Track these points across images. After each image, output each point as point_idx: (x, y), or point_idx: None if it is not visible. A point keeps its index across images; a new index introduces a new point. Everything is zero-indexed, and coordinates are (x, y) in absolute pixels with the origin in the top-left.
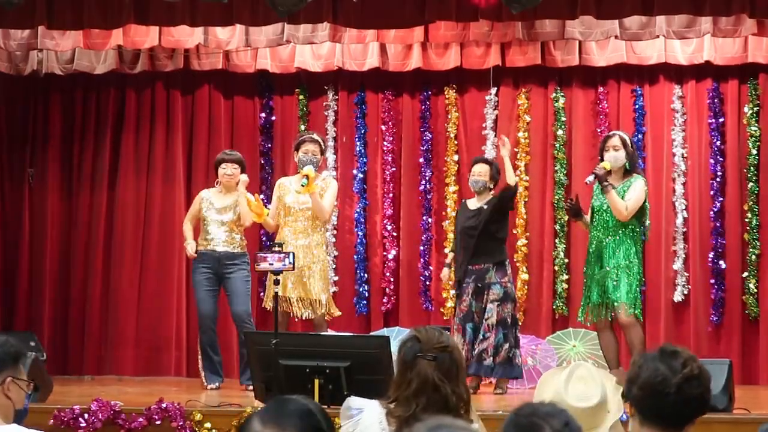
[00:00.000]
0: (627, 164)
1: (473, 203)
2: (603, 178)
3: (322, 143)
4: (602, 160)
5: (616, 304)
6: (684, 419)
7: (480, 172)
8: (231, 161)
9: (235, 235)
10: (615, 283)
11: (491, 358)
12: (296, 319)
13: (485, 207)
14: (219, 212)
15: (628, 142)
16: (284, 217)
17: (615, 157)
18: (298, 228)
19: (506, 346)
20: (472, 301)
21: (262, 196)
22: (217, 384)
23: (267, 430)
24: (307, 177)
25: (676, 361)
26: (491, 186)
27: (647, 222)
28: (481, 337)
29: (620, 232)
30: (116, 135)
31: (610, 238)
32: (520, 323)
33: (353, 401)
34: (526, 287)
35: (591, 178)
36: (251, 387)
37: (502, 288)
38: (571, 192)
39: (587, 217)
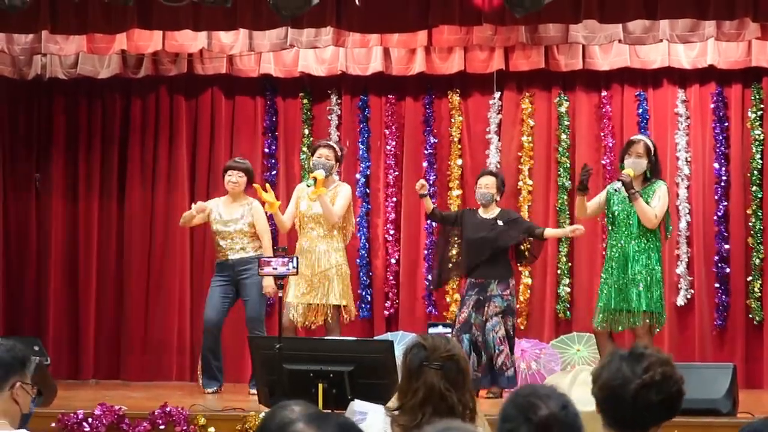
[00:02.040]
0: (648, 172)
1: (482, 213)
2: (629, 185)
3: (337, 150)
4: (622, 162)
5: (635, 313)
6: (643, 424)
7: (487, 185)
8: (237, 169)
9: (246, 241)
10: (638, 291)
11: (511, 369)
12: (312, 326)
13: (500, 223)
14: (227, 224)
15: (653, 150)
16: (300, 226)
17: (635, 164)
18: (313, 235)
19: (512, 357)
20: (472, 313)
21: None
22: (215, 388)
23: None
24: (315, 179)
25: (640, 364)
26: (498, 198)
27: (670, 227)
28: (497, 351)
29: (644, 239)
30: (121, 140)
31: (634, 245)
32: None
33: (357, 405)
34: (528, 291)
35: (618, 185)
36: (254, 392)
37: (504, 301)
38: (575, 196)
39: (589, 203)
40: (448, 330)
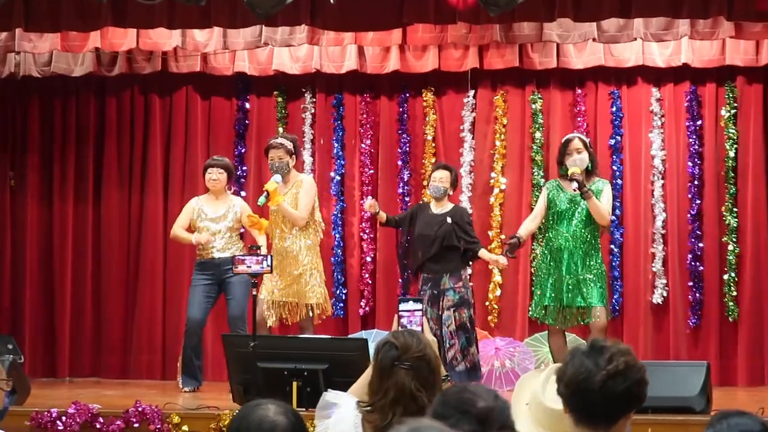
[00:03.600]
0: (590, 165)
1: (434, 207)
2: (582, 184)
3: (287, 144)
4: (562, 164)
5: (593, 308)
6: (612, 416)
7: (441, 178)
8: (217, 166)
9: (233, 239)
10: (590, 287)
11: (462, 363)
12: (289, 323)
13: (449, 221)
14: (214, 221)
15: (588, 143)
16: (271, 223)
17: (581, 160)
18: (284, 233)
19: (471, 349)
20: (427, 308)
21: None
22: (193, 387)
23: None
24: (267, 192)
25: (602, 356)
26: (450, 192)
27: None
28: (447, 345)
29: (589, 236)
30: (96, 138)
31: (579, 242)
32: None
33: (330, 396)
34: (499, 289)
35: (575, 185)
36: None
37: (456, 293)
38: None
39: (534, 214)
40: (419, 306)
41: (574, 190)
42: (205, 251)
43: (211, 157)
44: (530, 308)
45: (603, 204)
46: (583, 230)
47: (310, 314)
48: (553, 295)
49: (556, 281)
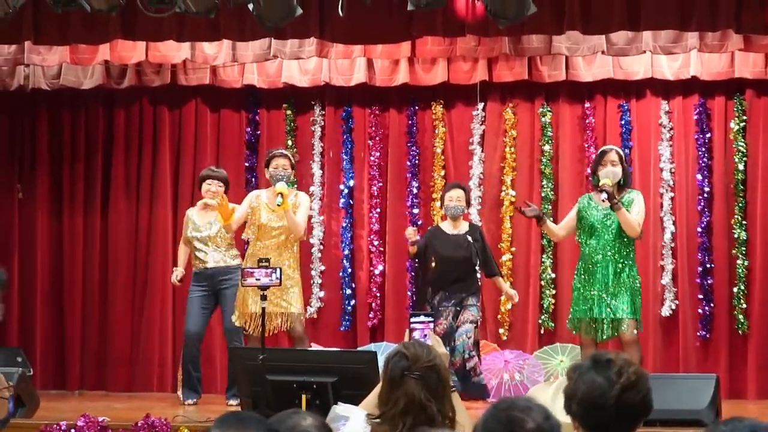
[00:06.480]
0: (622, 179)
1: (450, 229)
2: (612, 195)
3: (292, 158)
4: (595, 173)
5: (622, 320)
6: (628, 426)
7: (458, 197)
8: (215, 178)
9: (223, 248)
10: (621, 300)
11: (480, 376)
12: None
13: (471, 240)
14: (200, 230)
15: (624, 157)
16: (258, 235)
17: (614, 173)
18: (271, 245)
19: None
20: (452, 324)
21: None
22: (194, 400)
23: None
24: (282, 195)
25: (611, 370)
26: (467, 210)
27: (641, 236)
28: (468, 355)
29: (624, 248)
30: (104, 151)
31: (615, 255)
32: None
33: (339, 409)
34: (510, 302)
35: (604, 196)
36: (232, 402)
37: (478, 311)
38: (559, 207)
39: (553, 225)
40: (431, 319)
41: (602, 201)
42: (198, 262)
43: (209, 167)
44: (567, 321)
45: (633, 215)
46: (614, 243)
47: (300, 324)
48: (585, 308)
49: (589, 294)
